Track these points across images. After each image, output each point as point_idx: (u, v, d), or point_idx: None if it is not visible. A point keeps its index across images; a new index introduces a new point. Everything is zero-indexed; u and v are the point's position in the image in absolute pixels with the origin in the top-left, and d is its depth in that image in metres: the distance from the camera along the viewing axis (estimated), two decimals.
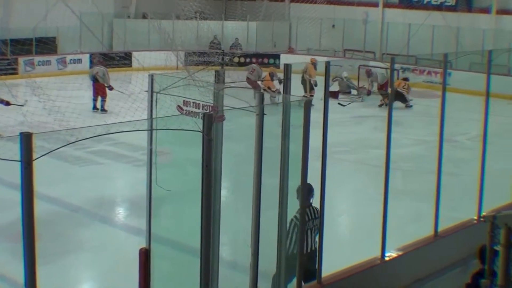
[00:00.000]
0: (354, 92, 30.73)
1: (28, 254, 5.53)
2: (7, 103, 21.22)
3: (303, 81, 27.25)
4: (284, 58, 37.27)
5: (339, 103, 28.03)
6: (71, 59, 35.40)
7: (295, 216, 8.98)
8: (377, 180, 11.65)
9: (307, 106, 8.31)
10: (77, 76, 27.66)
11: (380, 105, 28.47)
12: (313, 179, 9.21)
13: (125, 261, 10.81)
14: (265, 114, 7.85)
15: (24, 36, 33.39)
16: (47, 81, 23.78)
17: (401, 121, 23.98)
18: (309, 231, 9.47)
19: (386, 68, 28.02)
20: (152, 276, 8.04)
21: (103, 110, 25.76)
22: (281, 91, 9.36)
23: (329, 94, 9.81)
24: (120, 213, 15.33)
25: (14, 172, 5.54)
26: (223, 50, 37.91)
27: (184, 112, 8.10)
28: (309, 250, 9.45)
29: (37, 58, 34.10)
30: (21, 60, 33.14)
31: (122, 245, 12.78)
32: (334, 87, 29.46)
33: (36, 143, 5.44)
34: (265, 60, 38.06)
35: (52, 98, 20.26)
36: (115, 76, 28.61)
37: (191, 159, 7.38)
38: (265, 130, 7.90)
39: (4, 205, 13.92)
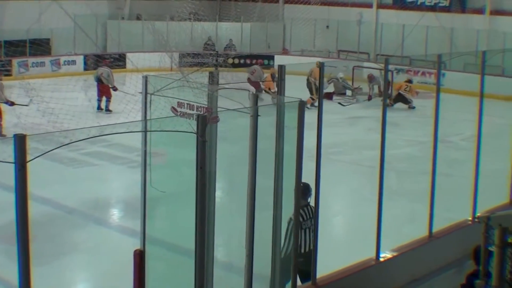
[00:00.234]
0: (348, 93, 30.75)
1: (22, 255, 5.51)
2: (12, 103, 21.20)
3: (308, 84, 27.47)
4: (278, 59, 37.24)
5: (339, 103, 28.28)
6: (65, 61, 35.38)
7: (294, 215, 8.98)
8: (371, 181, 11.66)
9: (301, 107, 8.31)
10: (71, 78, 27.65)
11: (387, 105, 28.46)
12: (308, 180, 9.23)
13: (120, 262, 10.80)
14: (259, 116, 7.85)
15: (18, 37, 33.36)
16: (41, 82, 23.74)
17: (396, 122, 23.99)
18: (307, 230, 9.47)
19: (380, 69, 28.04)
20: (147, 278, 8.03)
21: (108, 110, 25.91)
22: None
23: (324, 95, 9.82)
24: (115, 214, 15.32)
25: (8, 173, 5.53)
26: (217, 52, 37.90)
27: (178, 113, 8.10)
28: (307, 249, 9.45)
29: (31, 60, 34.04)
30: (15, 61, 33.09)
31: (117, 247, 12.75)
32: (330, 88, 29.54)
33: (30, 144, 5.43)
34: (259, 62, 38.02)
35: (46, 99, 20.28)
36: None
37: (186, 161, 7.37)
38: (260, 131, 7.89)
39: None
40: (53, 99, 20.37)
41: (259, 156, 7.94)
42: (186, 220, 6.74)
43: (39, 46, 33.45)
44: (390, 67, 27.29)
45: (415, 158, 19.28)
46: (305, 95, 8.59)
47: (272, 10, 41.67)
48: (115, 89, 25.64)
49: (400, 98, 28.53)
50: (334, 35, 40.75)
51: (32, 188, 5.60)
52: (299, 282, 9.47)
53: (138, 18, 40.38)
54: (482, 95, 12.52)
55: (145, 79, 8.32)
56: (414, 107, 28.21)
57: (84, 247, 13.02)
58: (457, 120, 23.23)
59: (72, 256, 12.60)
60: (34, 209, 5.77)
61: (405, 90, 28.51)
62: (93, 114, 25.11)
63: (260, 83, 27.82)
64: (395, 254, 10.81)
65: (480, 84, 12.48)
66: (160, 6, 38.12)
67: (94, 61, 35.67)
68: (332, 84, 29.90)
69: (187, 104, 8.15)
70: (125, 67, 36.11)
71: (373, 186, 10.56)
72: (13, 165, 5.37)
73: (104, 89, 26.12)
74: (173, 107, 8.22)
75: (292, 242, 9.07)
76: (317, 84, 27.11)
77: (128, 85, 24.70)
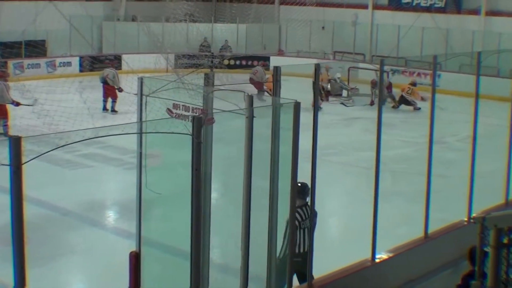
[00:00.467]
0: (345, 93, 30.75)
1: (18, 257, 5.51)
2: (17, 104, 21.20)
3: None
4: (274, 60, 37.26)
5: (341, 103, 28.39)
6: (61, 62, 35.30)
7: (289, 216, 8.97)
8: (367, 182, 11.66)
9: (297, 108, 8.31)
10: (66, 79, 27.60)
11: (393, 107, 29.07)
12: (304, 181, 9.22)
13: (116, 264, 10.79)
14: (255, 117, 7.85)
15: (13, 39, 33.37)
16: (36, 84, 23.74)
17: (391, 123, 23.99)
18: (306, 230, 9.47)
19: (376, 70, 28.04)
20: (143, 279, 8.02)
21: (114, 111, 26.11)
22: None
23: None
24: (110, 216, 15.30)
25: (4, 175, 5.53)
26: (212, 53, 37.90)
27: (174, 115, 8.10)
28: (306, 249, 9.44)
29: (26, 61, 33.98)
30: (10, 63, 33.01)
31: (112, 248, 12.74)
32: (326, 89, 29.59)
33: (26, 146, 5.43)
34: (255, 63, 38.03)
35: (41, 101, 20.26)
36: None
37: (181, 162, 7.37)
38: (256, 133, 7.89)
39: None
40: (48, 101, 20.35)
41: (254, 157, 7.94)
42: (182, 222, 6.73)
43: (35, 48, 33.42)
44: (386, 68, 27.34)
45: (411, 159, 19.29)
46: (303, 96, 8.59)
47: (268, 11, 41.65)
48: (120, 90, 25.79)
49: (403, 100, 28.78)
50: (330, 36, 40.77)
51: (28, 190, 5.60)
52: (297, 283, 9.48)
53: (133, 20, 40.36)
54: (477, 96, 12.53)
55: (141, 81, 8.32)
56: (419, 109, 28.28)
57: (79, 249, 12.99)
58: (452, 120, 23.25)
59: (68, 258, 12.58)
60: (29, 211, 5.76)
61: (407, 93, 28.73)
62: (88, 116, 25.05)
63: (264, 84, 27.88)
64: (390, 255, 10.81)
65: (475, 85, 12.49)
66: (155, 7, 38.07)
67: (89, 63, 35.71)
68: (329, 84, 29.93)
69: (183, 105, 8.15)
70: (120, 69, 36.00)
71: (369, 187, 10.55)
72: (8, 167, 5.37)
73: (110, 90, 26.33)
74: (168, 109, 8.22)
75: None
76: (325, 86, 27.56)
77: (123, 86, 24.73)
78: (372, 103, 29.49)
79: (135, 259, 8.09)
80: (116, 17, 40.62)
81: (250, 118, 7.82)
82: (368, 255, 10.40)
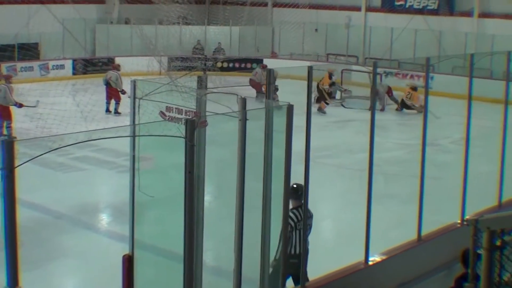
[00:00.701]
0: (338, 95, 30.78)
1: (10, 261, 5.50)
2: (20, 105, 21.20)
3: (319, 90, 27.74)
4: (267, 63, 37.25)
5: (342, 105, 28.43)
6: (54, 65, 35.26)
7: (283, 219, 8.97)
8: (360, 184, 11.67)
9: (290, 111, 8.31)
10: (59, 82, 27.58)
11: (397, 109, 29.24)
12: (299, 182, 9.23)
13: (109, 267, 10.77)
14: (248, 120, 7.85)
15: (6, 42, 33.30)
16: (29, 87, 23.69)
17: (385, 125, 24.03)
18: (302, 231, 9.47)
19: (369, 72, 28.06)
20: (136, 283, 8.02)
21: (117, 113, 26.47)
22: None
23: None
24: (103, 219, 15.28)
25: None
26: (205, 56, 37.88)
27: (167, 118, 8.09)
28: (302, 250, 9.45)
29: (19, 64, 33.91)
30: (3, 66, 32.94)
31: (106, 252, 12.72)
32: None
33: (19, 149, 5.42)
34: (248, 65, 38.05)
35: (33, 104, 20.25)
36: (97, 82, 28.67)
37: (174, 165, 7.37)
38: (249, 135, 7.89)
39: None
40: (41, 104, 20.34)
41: (248, 160, 7.94)
42: (175, 225, 6.73)
43: (28, 51, 33.34)
44: (379, 70, 27.36)
45: (404, 161, 19.31)
46: (299, 99, 8.56)
47: (261, 14, 41.68)
48: (123, 92, 26.01)
49: (404, 105, 28.93)
50: (323, 38, 40.80)
51: (21, 193, 5.59)
52: (293, 284, 9.50)
53: (126, 22, 40.31)
54: (470, 98, 12.54)
55: (134, 84, 8.31)
56: (420, 112, 28.34)
57: (72, 252, 12.97)
58: (445, 123, 23.28)
59: (61, 261, 12.56)
60: (22, 214, 5.76)
61: (407, 97, 28.85)
62: (81, 119, 25.05)
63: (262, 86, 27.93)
64: (384, 257, 10.81)
65: (468, 86, 12.50)
66: (148, 10, 37.90)
67: (82, 66, 35.67)
68: (331, 88, 30.05)
69: (176, 108, 8.15)
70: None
71: (362, 189, 10.55)
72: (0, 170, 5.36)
73: (113, 93, 26.78)
74: (161, 112, 8.21)
75: (288, 244, 9.10)
76: (327, 89, 27.73)
77: (126, 89, 24.78)
78: (382, 109, 29.39)
79: (128, 262, 8.09)
80: (109, 20, 40.58)
81: (243, 121, 7.82)
82: (362, 258, 10.40)
